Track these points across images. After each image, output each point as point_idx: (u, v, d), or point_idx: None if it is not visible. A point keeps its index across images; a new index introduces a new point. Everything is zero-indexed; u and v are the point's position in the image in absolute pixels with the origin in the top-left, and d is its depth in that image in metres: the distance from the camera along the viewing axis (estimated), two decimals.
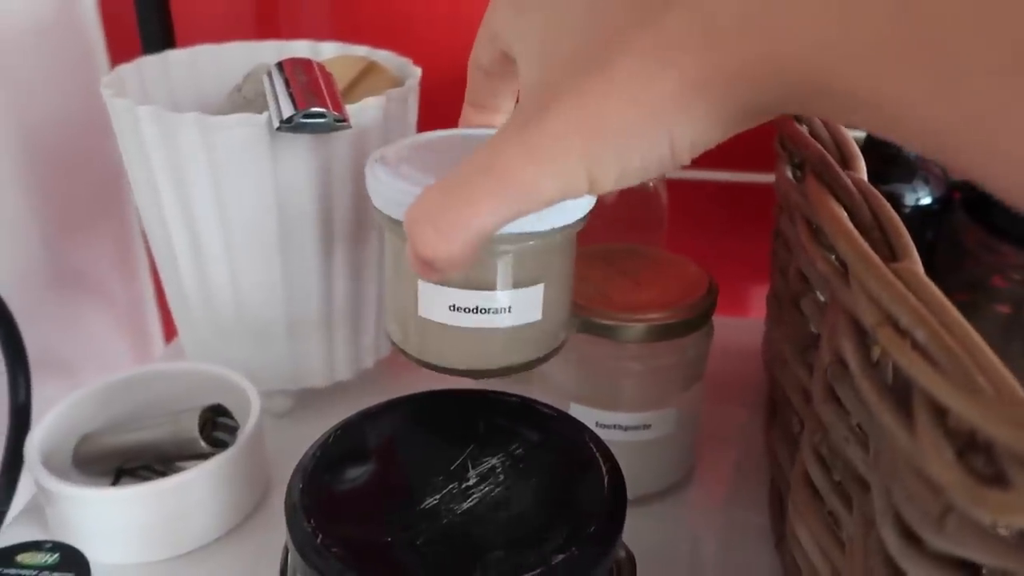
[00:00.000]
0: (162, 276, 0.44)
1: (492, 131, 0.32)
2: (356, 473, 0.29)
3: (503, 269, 0.30)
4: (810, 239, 0.30)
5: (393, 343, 0.34)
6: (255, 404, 0.38)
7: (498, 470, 0.28)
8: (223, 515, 0.37)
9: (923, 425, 0.19)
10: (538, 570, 0.24)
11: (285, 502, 0.28)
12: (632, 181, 0.23)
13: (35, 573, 0.30)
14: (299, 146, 0.37)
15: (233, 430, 0.38)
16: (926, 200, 0.41)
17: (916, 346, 0.20)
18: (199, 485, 0.35)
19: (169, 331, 0.67)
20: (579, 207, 0.31)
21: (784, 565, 0.35)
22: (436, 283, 0.30)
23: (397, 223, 0.30)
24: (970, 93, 0.15)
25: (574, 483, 0.28)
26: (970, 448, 0.18)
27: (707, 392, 0.41)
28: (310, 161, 0.37)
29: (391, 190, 0.30)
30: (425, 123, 0.43)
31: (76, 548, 0.31)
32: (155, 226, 0.41)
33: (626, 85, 0.21)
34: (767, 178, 0.59)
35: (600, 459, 0.29)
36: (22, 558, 0.31)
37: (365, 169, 0.32)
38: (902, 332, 0.21)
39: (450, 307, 0.31)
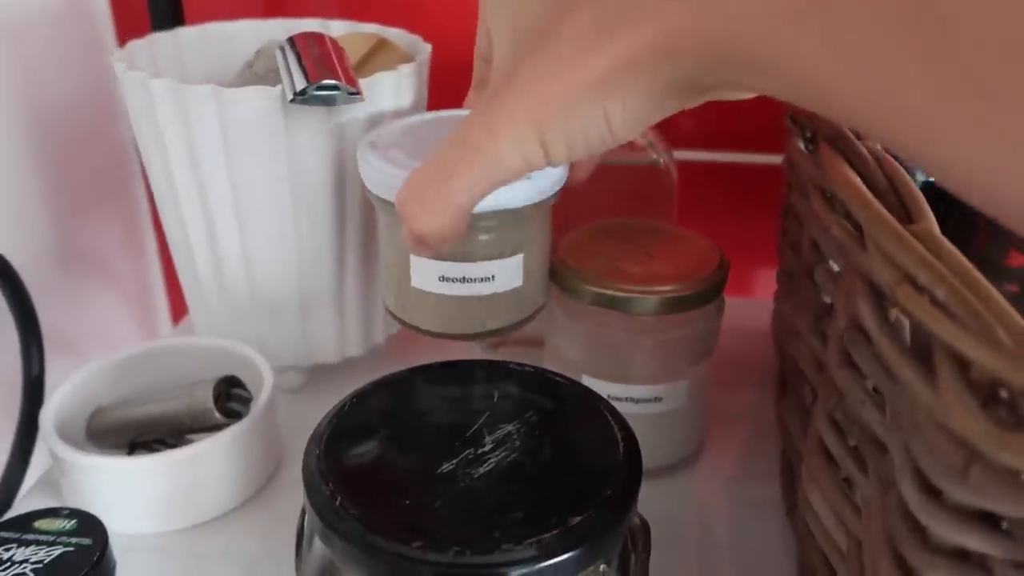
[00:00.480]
0: (174, 253, 0.44)
1: None
2: (372, 440, 0.29)
3: (484, 242, 0.34)
4: (824, 207, 0.30)
5: (389, 311, 0.37)
6: (268, 377, 0.38)
7: (514, 436, 0.29)
8: (238, 486, 0.37)
9: (945, 379, 0.19)
10: (556, 531, 0.24)
11: (303, 466, 0.28)
12: (582, 154, 0.24)
13: (53, 539, 0.30)
14: (312, 119, 0.37)
15: (247, 401, 0.38)
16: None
17: (935, 303, 0.21)
18: (215, 455, 0.35)
19: (176, 312, 0.68)
20: (549, 184, 0.34)
21: (796, 533, 0.35)
22: (426, 257, 0.33)
23: (388, 203, 0.34)
24: (851, 45, 0.17)
25: (589, 449, 0.28)
26: (992, 400, 0.18)
27: (716, 370, 0.41)
28: (322, 134, 0.37)
29: (381, 173, 0.34)
30: (435, 103, 0.43)
31: (93, 515, 0.31)
32: (167, 201, 0.41)
33: (569, 61, 0.22)
34: (773, 159, 0.59)
35: (615, 426, 0.29)
36: (40, 524, 0.31)
37: (357, 153, 0.35)
38: (921, 290, 0.21)
39: (439, 278, 0.35)
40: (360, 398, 0.31)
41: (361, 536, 0.25)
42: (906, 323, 0.24)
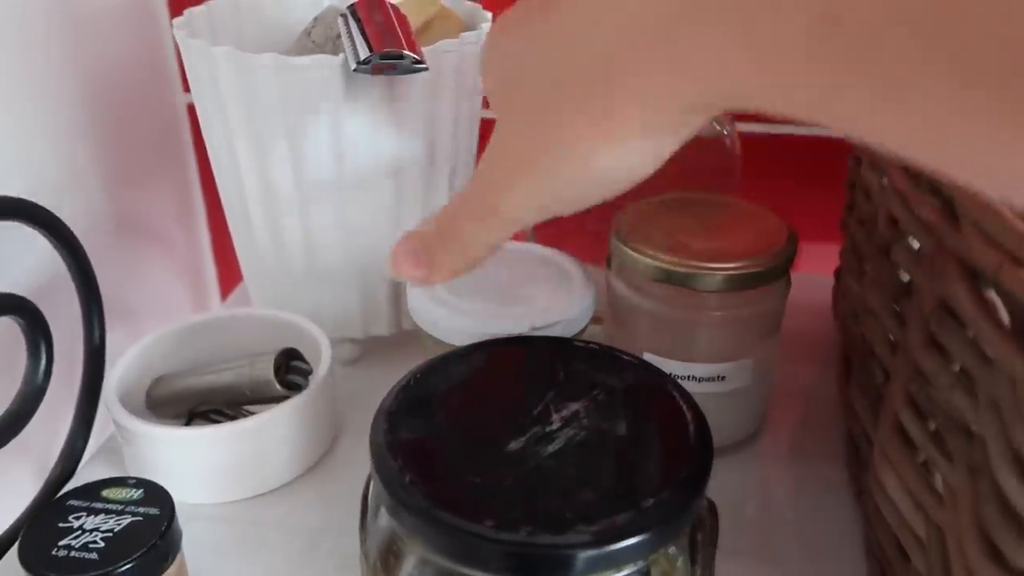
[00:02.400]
0: (230, 223, 0.44)
1: (545, 251, 0.40)
2: (438, 415, 0.29)
3: None
4: (909, 183, 0.29)
5: None
6: (326, 349, 0.38)
7: (581, 415, 0.28)
8: (297, 457, 0.37)
9: None
10: (629, 513, 0.24)
11: (371, 439, 0.28)
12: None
13: (121, 508, 0.31)
14: (374, 89, 0.36)
15: (306, 374, 0.38)
16: None
17: None
18: (276, 426, 0.35)
19: (225, 283, 0.68)
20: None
21: (864, 515, 0.34)
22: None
23: (428, 336, 0.37)
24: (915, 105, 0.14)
25: (659, 429, 0.28)
26: None
27: (776, 360, 0.40)
28: (384, 104, 0.37)
29: (421, 306, 0.37)
30: None
31: (159, 484, 0.32)
32: (226, 171, 0.41)
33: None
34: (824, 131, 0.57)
35: (683, 405, 0.29)
36: (107, 493, 0.31)
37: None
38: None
39: None
40: (426, 372, 0.31)
41: (430, 511, 0.25)
42: (1000, 305, 0.23)
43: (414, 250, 0.27)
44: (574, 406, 0.29)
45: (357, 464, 0.32)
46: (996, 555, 0.22)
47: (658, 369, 0.31)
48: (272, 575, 0.34)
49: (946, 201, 0.26)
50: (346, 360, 0.45)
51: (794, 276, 0.37)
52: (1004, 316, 0.22)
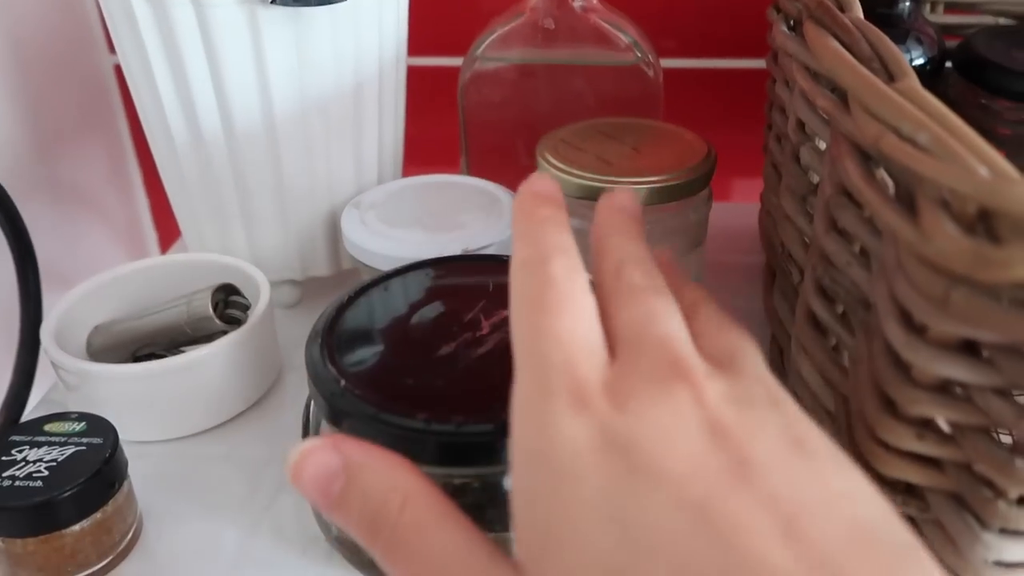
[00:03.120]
0: (162, 173, 0.44)
1: (476, 181, 0.39)
2: (372, 329, 0.30)
3: None
4: (809, 81, 0.30)
5: None
6: (264, 285, 0.39)
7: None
8: (241, 392, 0.38)
9: (927, 211, 0.20)
10: None
11: (306, 352, 0.29)
12: None
13: (64, 439, 0.31)
14: (295, 22, 0.36)
15: (245, 308, 0.38)
16: (919, 60, 0.41)
17: (918, 148, 0.21)
18: (218, 359, 0.36)
19: (165, 245, 0.68)
20: None
21: None
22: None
23: (366, 267, 0.38)
24: None
25: None
26: (971, 231, 0.19)
27: (705, 272, 0.42)
28: (306, 38, 0.37)
29: (357, 237, 0.38)
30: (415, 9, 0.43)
31: (102, 416, 0.32)
32: (152, 118, 0.41)
33: None
34: (757, 63, 0.59)
35: None
36: (49, 427, 0.32)
37: (342, 215, 0.40)
38: (905, 139, 0.22)
39: None
40: (359, 292, 0.32)
41: (367, 412, 0.26)
42: (890, 183, 0.24)
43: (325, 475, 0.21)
44: (504, 314, 0.30)
45: (301, 399, 0.33)
46: (890, 406, 0.23)
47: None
48: (219, 506, 0.34)
49: (841, 93, 0.27)
50: (287, 303, 0.45)
51: (722, 206, 0.39)
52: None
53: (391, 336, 0.30)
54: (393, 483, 0.21)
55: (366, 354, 0.29)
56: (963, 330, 0.20)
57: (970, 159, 0.20)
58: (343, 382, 0.27)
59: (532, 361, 0.20)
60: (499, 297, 0.31)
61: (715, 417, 0.18)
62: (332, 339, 0.29)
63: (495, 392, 0.26)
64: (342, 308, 0.31)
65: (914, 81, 0.24)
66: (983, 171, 0.19)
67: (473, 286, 0.32)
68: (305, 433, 0.31)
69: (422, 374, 0.28)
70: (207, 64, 0.37)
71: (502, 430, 0.25)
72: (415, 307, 0.31)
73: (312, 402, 0.31)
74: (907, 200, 0.22)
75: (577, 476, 0.17)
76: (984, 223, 0.19)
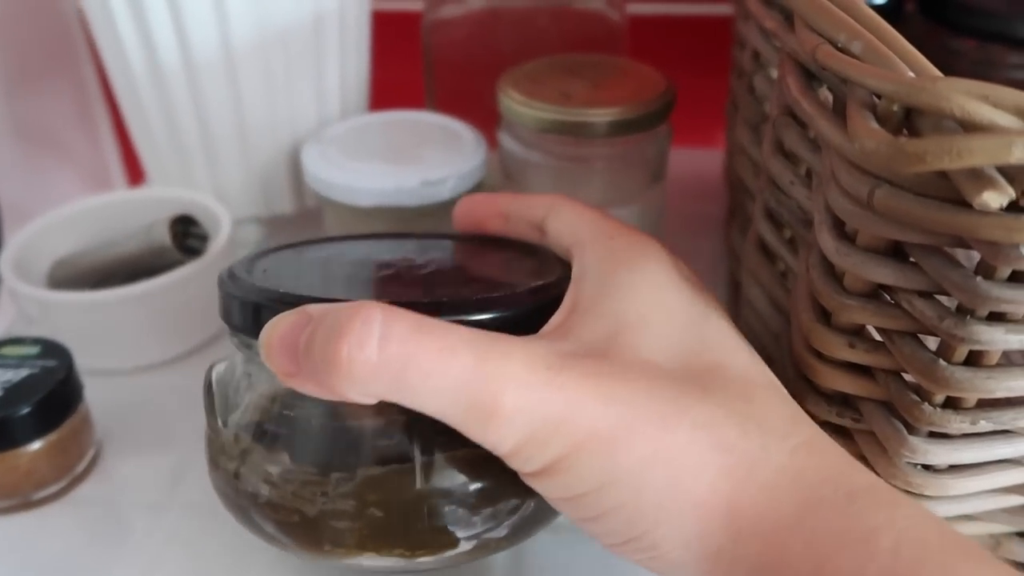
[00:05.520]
0: (124, 111, 0.43)
1: (438, 118, 0.39)
2: (299, 267, 0.28)
3: None
4: (760, 5, 0.30)
5: None
6: (225, 219, 0.39)
7: (447, 250, 0.29)
8: (202, 323, 0.38)
9: (855, 114, 0.20)
10: (528, 289, 0.24)
11: (219, 285, 0.25)
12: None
13: (19, 362, 0.31)
14: None
15: (205, 239, 0.38)
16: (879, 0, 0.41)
17: (853, 57, 0.21)
18: (178, 288, 0.36)
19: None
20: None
21: None
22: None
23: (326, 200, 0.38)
24: None
25: (526, 251, 0.28)
26: (896, 132, 0.19)
27: (669, 219, 0.42)
28: None
29: (317, 170, 0.37)
30: None
31: (57, 342, 0.32)
32: (111, 54, 0.40)
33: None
34: (724, 10, 0.58)
35: (543, 248, 0.29)
36: (5, 351, 0.32)
37: (303, 148, 0.39)
38: (841, 50, 0.22)
39: None
40: (280, 247, 0.29)
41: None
42: (829, 101, 0.25)
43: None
44: (437, 245, 0.29)
45: None
46: (824, 316, 0.24)
47: (504, 237, 0.30)
48: (178, 435, 0.35)
49: (789, 14, 0.28)
50: (251, 242, 0.45)
51: (686, 152, 0.38)
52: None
53: (323, 272, 0.27)
54: (360, 303, 0.20)
55: (290, 287, 0.24)
56: (889, 231, 0.20)
57: (899, 64, 0.20)
58: (280, 289, 0.23)
59: None
60: (428, 238, 0.30)
61: None
62: (249, 274, 0.26)
63: (458, 288, 0.25)
64: (259, 256, 0.28)
65: None
66: (909, 73, 0.19)
67: (399, 236, 0.31)
68: (207, 392, 0.26)
69: (365, 291, 0.26)
70: None
71: (480, 306, 0.22)
72: (341, 253, 0.29)
73: (218, 366, 0.27)
74: (841, 112, 0.22)
75: None
76: (908, 123, 0.19)
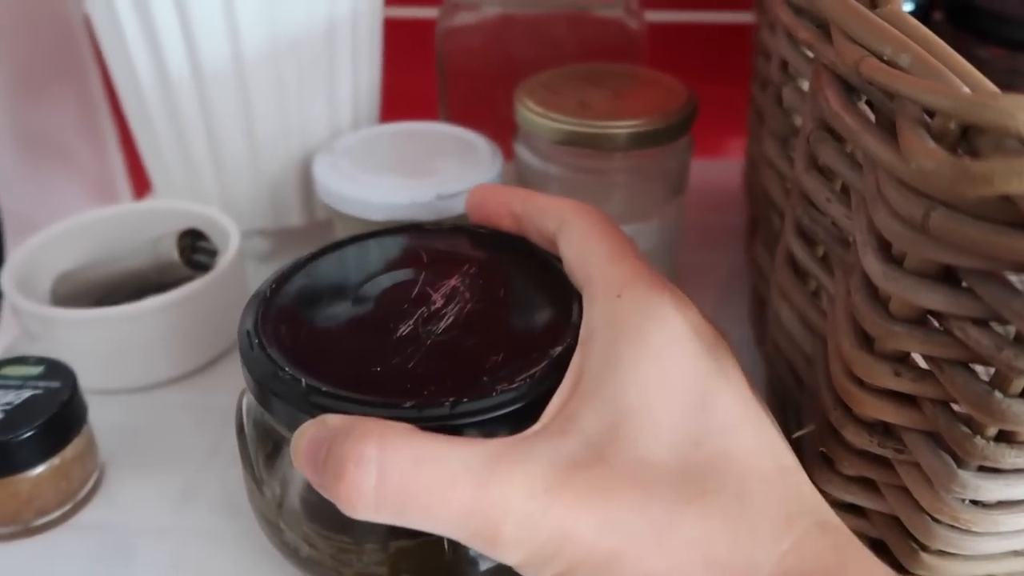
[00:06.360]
0: (131, 122, 0.42)
1: (452, 128, 0.37)
2: (314, 315, 0.27)
3: None
4: (790, 14, 0.29)
5: None
6: (234, 232, 0.38)
7: (460, 289, 0.27)
8: (210, 340, 0.37)
9: (908, 131, 0.19)
10: (544, 364, 0.24)
11: (244, 356, 0.25)
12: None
13: (21, 383, 0.30)
14: None
15: (213, 254, 0.37)
16: (907, 8, 0.40)
17: (900, 70, 0.20)
18: (186, 305, 0.35)
19: (139, 197, 0.66)
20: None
21: (765, 357, 0.36)
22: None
23: (338, 214, 0.37)
24: None
25: (539, 287, 0.27)
26: (952, 150, 0.18)
27: (687, 231, 0.41)
28: None
29: (329, 182, 0.36)
30: None
31: (61, 361, 0.31)
32: (118, 64, 0.39)
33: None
34: (744, 17, 0.57)
35: (556, 262, 0.28)
36: (7, 371, 0.31)
37: (314, 160, 0.38)
38: (886, 62, 0.21)
39: None
40: (289, 272, 0.28)
41: (344, 409, 0.22)
42: (872, 116, 0.24)
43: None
44: (450, 283, 0.28)
45: None
46: (867, 342, 0.23)
47: (514, 235, 0.29)
48: (185, 456, 0.34)
49: (823, 25, 0.26)
50: (258, 255, 0.44)
51: (706, 163, 0.37)
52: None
53: (339, 321, 0.26)
54: (369, 428, 0.21)
55: (317, 346, 0.25)
56: (942, 255, 0.19)
57: (952, 78, 0.19)
58: (304, 381, 0.23)
59: None
60: (438, 266, 0.28)
61: None
62: (273, 334, 0.25)
63: (476, 365, 0.24)
64: (277, 285, 0.28)
65: (897, 5, 0.23)
66: (964, 88, 0.18)
67: (407, 258, 0.29)
68: (241, 439, 0.27)
69: (388, 359, 0.25)
70: (173, 2, 0.36)
71: (501, 404, 0.23)
72: (355, 286, 0.28)
73: (251, 402, 0.27)
74: (888, 127, 0.21)
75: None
76: (965, 141, 0.18)
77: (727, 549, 0.20)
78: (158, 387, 0.37)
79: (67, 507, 0.30)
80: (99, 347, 0.35)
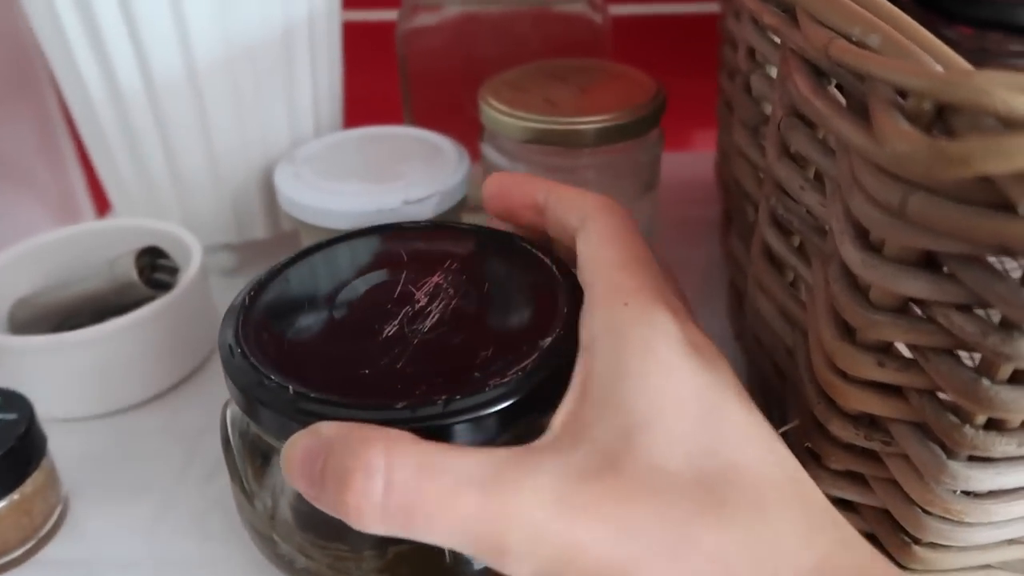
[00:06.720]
0: (85, 139, 0.41)
1: (417, 131, 0.37)
2: (296, 317, 0.26)
3: None
4: (757, 1, 0.28)
5: None
6: (195, 248, 0.37)
7: (444, 286, 0.27)
8: (175, 362, 0.36)
9: (881, 113, 0.18)
10: (535, 356, 0.23)
11: (226, 362, 0.25)
12: None
13: None
14: None
15: (174, 272, 0.36)
16: None
17: (870, 50, 0.20)
18: (147, 327, 0.34)
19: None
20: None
21: (745, 351, 0.35)
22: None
23: (303, 224, 0.36)
24: None
25: (523, 279, 0.27)
26: (927, 131, 0.18)
27: (661, 226, 0.40)
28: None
29: (291, 193, 0.35)
30: None
31: (16, 391, 0.30)
32: (68, 79, 0.38)
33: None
34: (709, 7, 0.57)
35: (537, 252, 0.28)
36: None
37: (276, 169, 0.37)
38: (855, 43, 0.20)
39: None
40: (268, 277, 0.28)
41: (335, 415, 0.22)
42: (842, 100, 0.23)
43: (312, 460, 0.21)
44: (433, 279, 0.27)
45: None
46: (848, 333, 0.22)
47: (496, 230, 0.29)
48: (154, 482, 0.32)
49: (789, 9, 0.26)
50: (225, 269, 0.43)
51: (677, 156, 0.37)
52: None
53: (322, 326, 0.26)
54: (371, 437, 0.20)
55: (302, 353, 0.25)
56: (922, 240, 0.18)
57: (924, 56, 0.18)
58: (292, 388, 0.23)
59: None
60: (419, 264, 0.28)
61: None
62: (255, 343, 0.25)
63: (466, 361, 0.23)
64: (255, 294, 0.27)
65: None
66: (937, 67, 0.18)
67: (388, 257, 0.29)
68: (227, 452, 0.27)
69: (377, 360, 0.24)
70: (120, 11, 0.34)
71: (494, 399, 0.22)
72: (335, 287, 0.27)
73: (236, 414, 0.26)
74: (860, 111, 0.20)
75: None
76: (940, 121, 0.17)
77: (748, 564, 0.19)
78: (123, 412, 0.35)
79: (30, 544, 0.29)
80: (59, 374, 0.33)
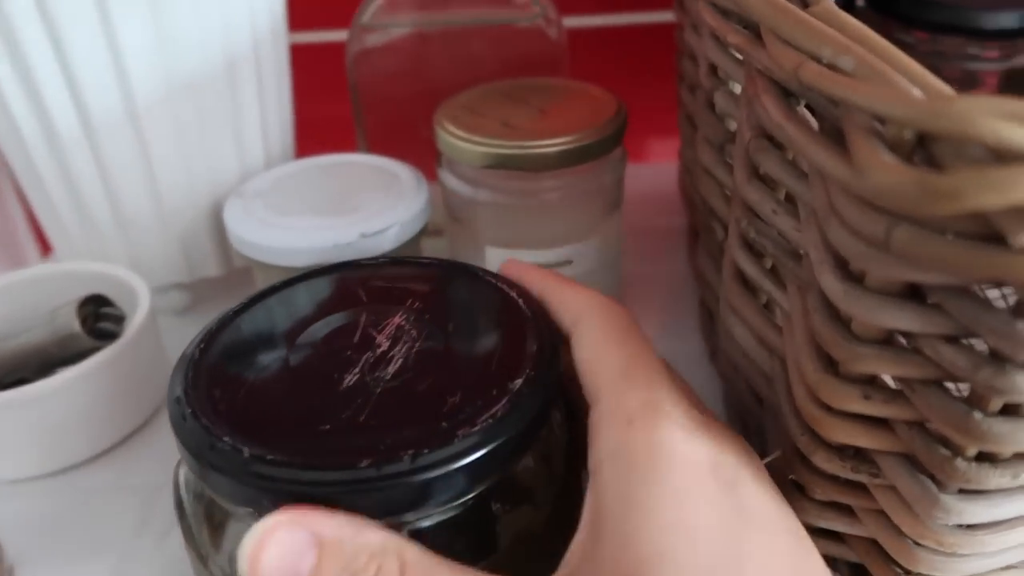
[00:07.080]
0: (21, 181, 0.39)
1: (372, 159, 0.35)
2: (250, 368, 0.24)
3: None
4: (717, 17, 0.27)
5: None
6: (143, 292, 0.35)
7: (406, 327, 0.25)
8: (125, 414, 0.34)
9: (859, 143, 0.17)
10: (505, 400, 0.22)
11: (176, 426, 0.23)
12: None
13: None
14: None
15: (120, 320, 0.34)
16: None
17: (843, 74, 0.19)
18: (93, 379, 0.32)
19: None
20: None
21: (720, 373, 0.34)
22: None
23: (256, 262, 0.34)
24: None
25: (489, 317, 0.26)
26: (909, 161, 0.17)
27: (625, 240, 0.39)
28: (160, 12, 0.33)
29: (241, 230, 0.33)
30: None
31: None
32: (1, 120, 0.36)
33: None
34: (665, 16, 0.56)
35: (502, 286, 0.27)
36: None
37: (224, 206, 0.35)
38: (826, 66, 0.19)
39: None
40: (222, 324, 0.26)
41: (294, 479, 0.20)
42: (814, 122, 0.22)
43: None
44: (394, 321, 0.26)
45: None
46: (831, 365, 0.21)
47: (457, 262, 0.28)
48: (107, 543, 0.31)
49: (753, 26, 0.25)
50: (177, 309, 0.41)
51: (638, 168, 0.36)
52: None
53: (277, 378, 0.24)
54: (381, 547, 0.19)
55: (256, 408, 0.23)
56: (907, 273, 0.17)
57: (901, 80, 0.17)
58: (246, 450, 0.21)
59: None
60: (378, 303, 0.27)
61: None
62: (207, 399, 0.23)
63: (432, 409, 0.22)
64: (205, 345, 0.25)
65: (830, 3, 0.22)
66: (916, 92, 0.17)
67: (344, 298, 0.27)
68: (180, 514, 0.25)
69: (336, 413, 0.22)
70: (51, 48, 0.33)
71: (464, 451, 0.21)
72: (292, 333, 0.26)
73: (189, 475, 0.25)
74: (834, 135, 0.20)
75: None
76: (922, 149, 0.17)
77: None
78: (71, 469, 0.33)
79: None
80: (0, 434, 0.31)
